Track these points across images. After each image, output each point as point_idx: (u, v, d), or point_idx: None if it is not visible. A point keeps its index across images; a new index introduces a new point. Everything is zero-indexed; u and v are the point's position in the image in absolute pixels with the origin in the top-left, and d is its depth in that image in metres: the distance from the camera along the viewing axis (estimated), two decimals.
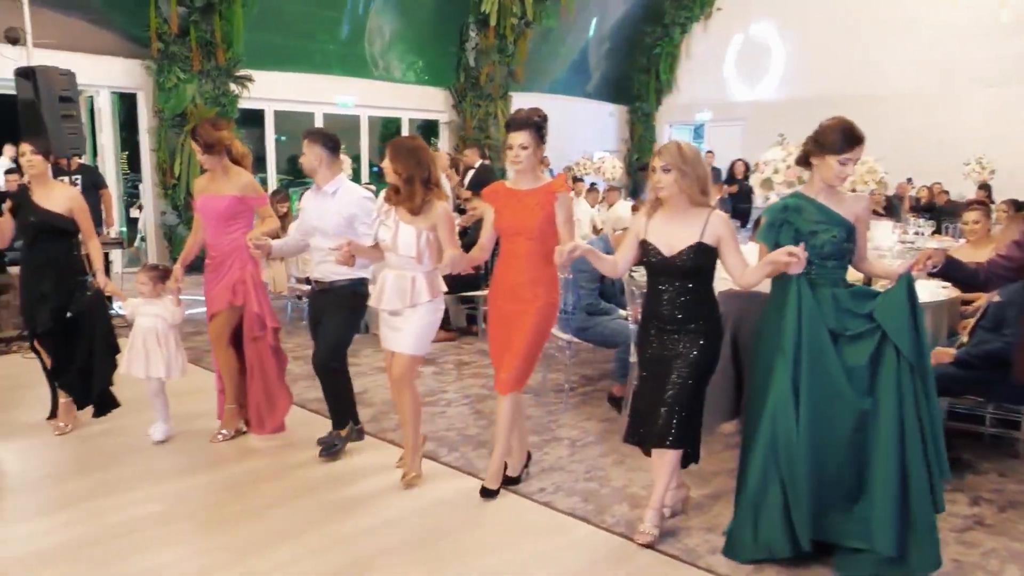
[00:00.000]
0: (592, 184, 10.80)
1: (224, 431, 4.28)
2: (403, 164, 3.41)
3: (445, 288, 3.68)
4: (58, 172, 7.58)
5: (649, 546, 3.15)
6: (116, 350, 4.40)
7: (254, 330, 4.11)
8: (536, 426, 4.61)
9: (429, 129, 13.70)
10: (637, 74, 16.37)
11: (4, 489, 3.73)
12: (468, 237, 6.90)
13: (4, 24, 7.91)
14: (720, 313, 3.18)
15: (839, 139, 2.96)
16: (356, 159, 12.04)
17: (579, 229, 8.93)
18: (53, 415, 4.47)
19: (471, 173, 9.19)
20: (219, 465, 3.98)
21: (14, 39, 7.34)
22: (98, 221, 8.11)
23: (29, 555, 3.07)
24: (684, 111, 16.35)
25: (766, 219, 3.12)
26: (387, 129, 13.66)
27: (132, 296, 4.32)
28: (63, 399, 4.39)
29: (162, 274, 4.22)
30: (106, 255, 7.78)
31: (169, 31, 9.65)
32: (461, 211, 8.78)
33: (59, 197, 4.20)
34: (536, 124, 3.33)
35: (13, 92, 6.68)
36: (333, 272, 3.82)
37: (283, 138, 11.90)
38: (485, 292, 6.54)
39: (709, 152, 12.60)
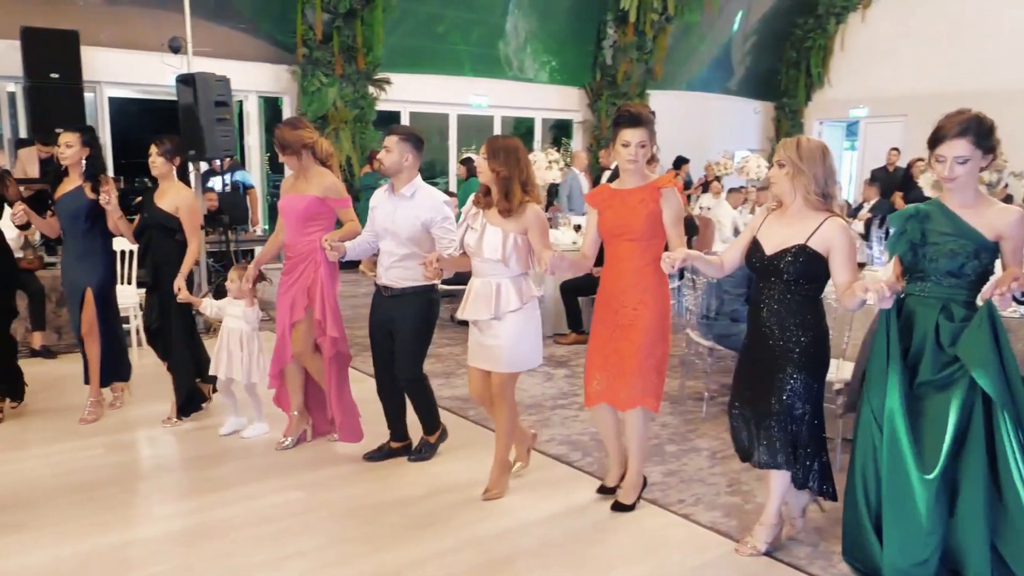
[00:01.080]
0: (740, 186, 10.46)
1: (286, 440, 4.25)
2: (503, 163, 3.29)
3: (538, 293, 3.49)
4: (211, 173, 8.25)
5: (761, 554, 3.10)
6: (200, 350, 4.63)
7: (318, 337, 4.05)
8: (674, 435, 4.50)
9: (562, 129, 13.76)
10: (785, 69, 15.72)
11: (146, 473, 4.05)
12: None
13: (168, 35, 8.69)
14: (825, 335, 2.97)
15: (932, 134, 2.73)
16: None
17: (720, 232, 8.68)
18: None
19: (607, 174, 9.14)
20: (349, 461, 4.13)
21: (176, 48, 8.02)
22: (245, 219, 8.73)
23: (175, 534, 3.31)
24: (836, 107, 15.51)
25: (893, 227, 2.89)
26: (517, 130, 13.84)
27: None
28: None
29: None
30: (252, 251, 8.40)
31: (314, 37, 10.25)
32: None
33: (171, 197, 4.38)
34: (651, 121, 3.21)
35: (174, 98, 7.29)
36: (403, 278, 3.75)
37: None
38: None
39: (894, 149, 11.84)
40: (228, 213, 7.88)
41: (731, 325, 4.80)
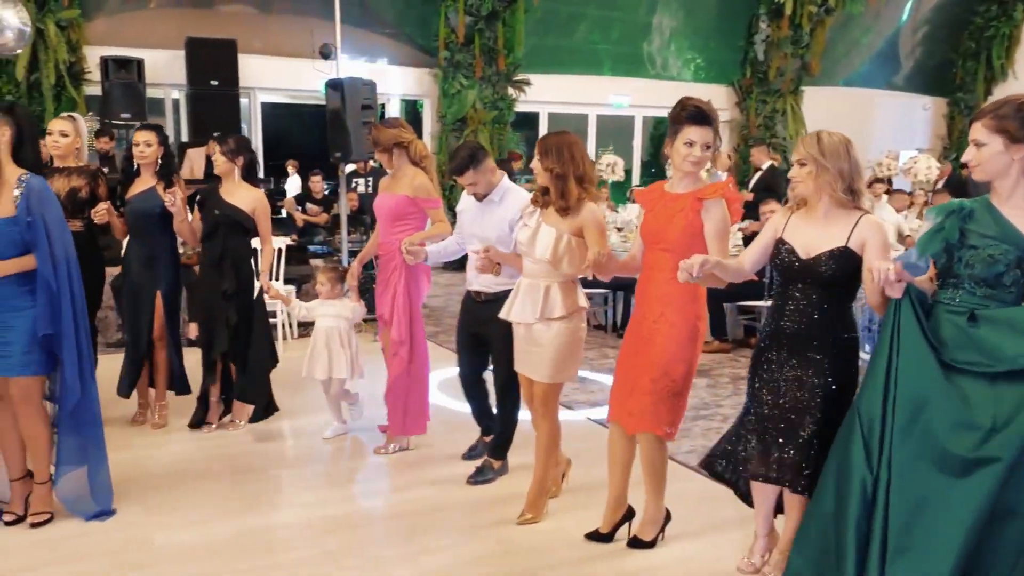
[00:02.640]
0: (906, 190, 9.80)
1: (388, 446, 4.27)
2: (555, 160, 3.16)
3: (586, 304, 3.35)
4: (355, 175, 8.68)
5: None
6: (274, 353, 4.56)
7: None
8: None
9: None
10: (962, 61, 14.60)
11: (288, 461, 4.28)
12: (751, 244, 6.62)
13: (318, 42, 9.24)
14: (855, 340, 2.77)
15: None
16: (629, 160, 12.20)
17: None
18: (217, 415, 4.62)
19: (758, 175, 8.84)
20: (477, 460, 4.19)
21: (326, 54, 8.49)
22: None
23: (315, 521, 3.47)
24: None
25: (931, 221, 2.58)
26: (657, 130, 13.66)
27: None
28: (214, 399, 4.57)
29: (341, 275, 4.37)
30: None
31: (456, 40, 10.58)
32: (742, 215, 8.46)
33: (246, 196, 4.35)
34: (718, 119, 2.98)
35: (320, 102, 7.73)
36: (495, 283, 3.65)
37: None
38: (767, 302, 6.26)
39: None
40: (369, 214, 8.25)
41: None
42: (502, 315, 3.39)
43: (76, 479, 3.39)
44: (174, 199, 4.18)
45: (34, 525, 3.33)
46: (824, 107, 12.64)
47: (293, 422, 4.78)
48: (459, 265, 4.87)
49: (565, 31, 11.71)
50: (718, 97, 12.96)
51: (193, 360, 4.65)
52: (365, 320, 4.81)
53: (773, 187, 8.22)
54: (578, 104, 12.09)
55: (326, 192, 9.24)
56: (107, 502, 3.45)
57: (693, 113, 2.91)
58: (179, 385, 4.64)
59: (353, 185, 8.60)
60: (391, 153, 4.05)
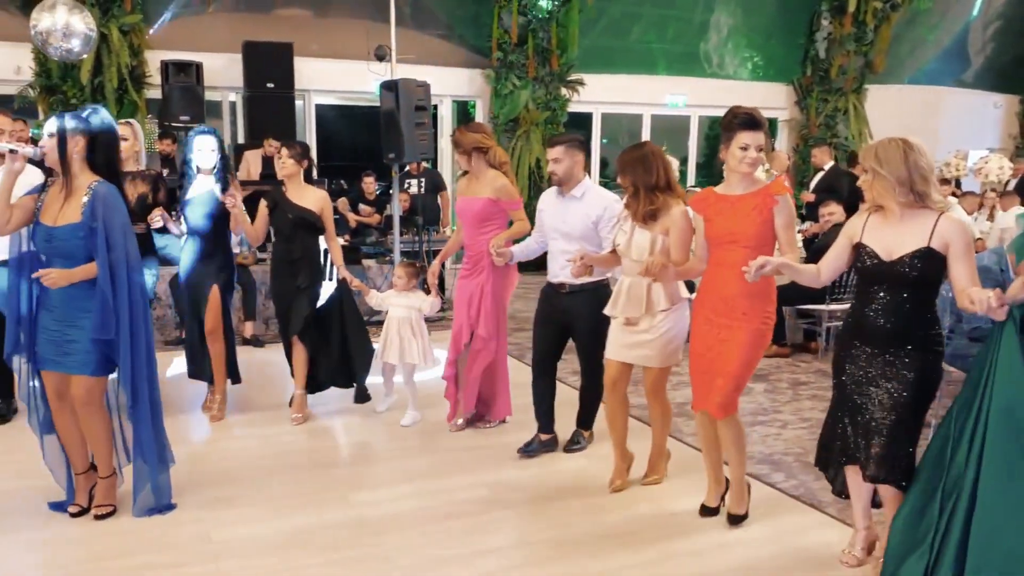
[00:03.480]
0: (970, 191, 9.51)
1: (458, 420, 4.60)
2: (629, 176, 3.53)
3: (687, 295, 3.65)
4: (407, 176, 8.76)
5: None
6: (369, 338, 4.83)
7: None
8: None
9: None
10: None
11: (343, 460, 4.33)
12: (816, 244, 6.49)
13: (372, 44, 9.37)
14: (941, 336, 2.88)
15: None
16: (684, 161, 12.08)
17: None
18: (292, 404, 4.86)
19: (819, 176, 8.66)
20: (536, 462, 4.19)
21: (381, 56, 8.60)
22: (437, 220, 9.18)
23: (370, 520, 3.51)
24: None
25: (1022, 226, 2.65)
26: (712, 130, 13.49)
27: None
28: (297, 391, 4.76)
29: (417, 271, 4.76)
30: (437, 251, 8.82)
31: (509, 40, 10.61)
32: (801, 217, 8.32)
33: (312, 197, 4.64)
34: (766, 123, 3.24)
35: (373, 103, 7.83)
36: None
37: (605, 140, 12.39)
38: (828, 306, 6.14)
39: None
40: (422, 215, 8.32)
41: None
42: (607, 311, 3.70)
43: (138, 475, 3.48)
44: (235, 200, 4.45)
45: (98, 517, 3.44)
46: (888, 106, 12.33)
47: (348, 420, 4.85)
48: (535, 267, 5.11)
49: (619, 30, 11.65)
50: (777, 96, 12.75)
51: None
52: (437, 317, 5.12)
53: (835, 188, 8.04)
54: (632, 104, 12.01)
55: (378, 193, 9.35)
56: (167, 498, 3.53)
57: (744, 119, 3.16)
58: (233, 374, 4.91)
59: (406, 186, 8.68)
60: (471, 156, 4.29)
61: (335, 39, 10.21)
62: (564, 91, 10.96)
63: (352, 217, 8.72)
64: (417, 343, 4.63)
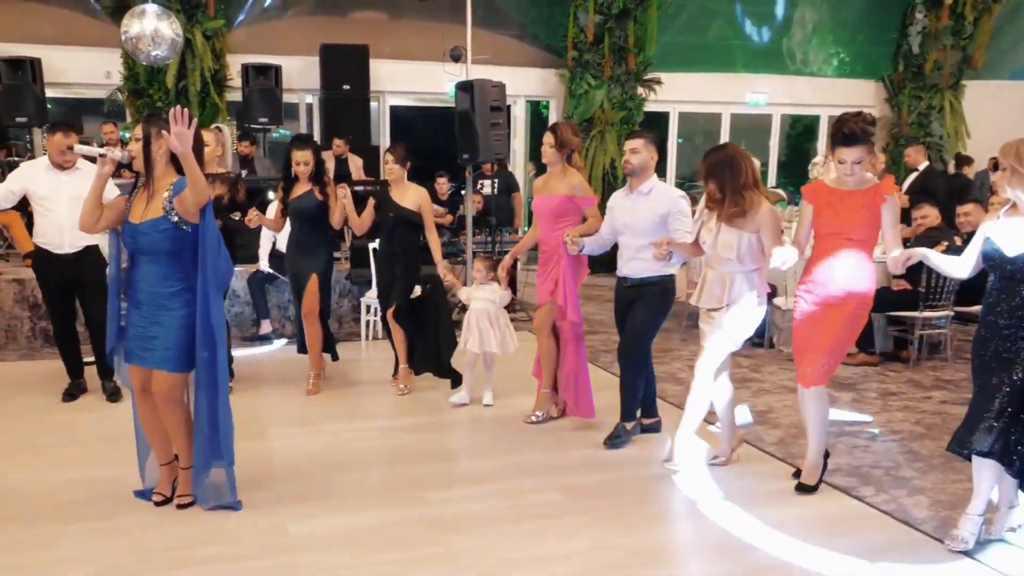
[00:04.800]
0: None
1: (536, 413, 4.77)
2: (716, 178, 3.67)
3: (767, 289, 3.87)
4: (481, 176, 8.83)
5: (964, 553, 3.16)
6: (454, 328, 5.26)
7: (559, 320, 4.59)
8: None
9: None
10: None
11: (414, 458, 4.38)
12: (911, 246, 6.24)
13: (446, 45, 9.48)
14: None
15: None
16: (764, 162, 11.82)
17: None
18: (395, 374, 5.45)
19: (912, 176, 8.34)
20: (613, 465, 4.16)
21: (456, 57, 8.69)
22: (510, 220, 9.21)
23: (441, 519, 3.54)
24: None
25: None
26: (794, 128, 13.18)
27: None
28: (402, 365, 5.33)
29: (494, 264, 5.00)
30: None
31: (585, 39, 10.59)
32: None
33: (412, 196, 5.13)
34: (868, 136, 3.41)
35: (445, 104, 7.91)
36: (644, 269, 4.18)
37: (681, 140, 12.24)
38: (922, 313, 5.90)
39: None
40: (495, 215, 8.36)
41: None
42: (692, 300, 3.99)
43: (214, 468, 3.58)
44: (346, 192, 5.03)
45: (179, 507, 3.57)
46: (987, 103, 11.80)
47: (422, 419, 4.91)
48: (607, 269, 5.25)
49: (697, 27, 11.50)
50: (864, 93, 12.35)
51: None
52: (509, 309, 5.36)
53: (929, 190, 7.72)
54: (711, 103, 11.82)
55: (450, 193, 9.45)
56: (232, 497, 3.60)
57: (842, 137, 3.42)
58: (332, 352, 5.56)
59: (479, 186, 8.75)
60: (563, 153, 4.51)
61: (409, 41, 10.38)
62: (640, 90, 10.88)
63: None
64: (495, 333, 4.89)
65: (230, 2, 9.71)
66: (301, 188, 5.18)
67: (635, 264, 4.21)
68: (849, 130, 3.40)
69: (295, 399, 5.22)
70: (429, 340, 5.26)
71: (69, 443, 4.42)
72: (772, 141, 12.39)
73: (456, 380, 5.22)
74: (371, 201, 5.31)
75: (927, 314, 5.95)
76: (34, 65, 8.70)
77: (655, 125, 11.68)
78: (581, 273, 4.66)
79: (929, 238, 6.06)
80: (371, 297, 6.45)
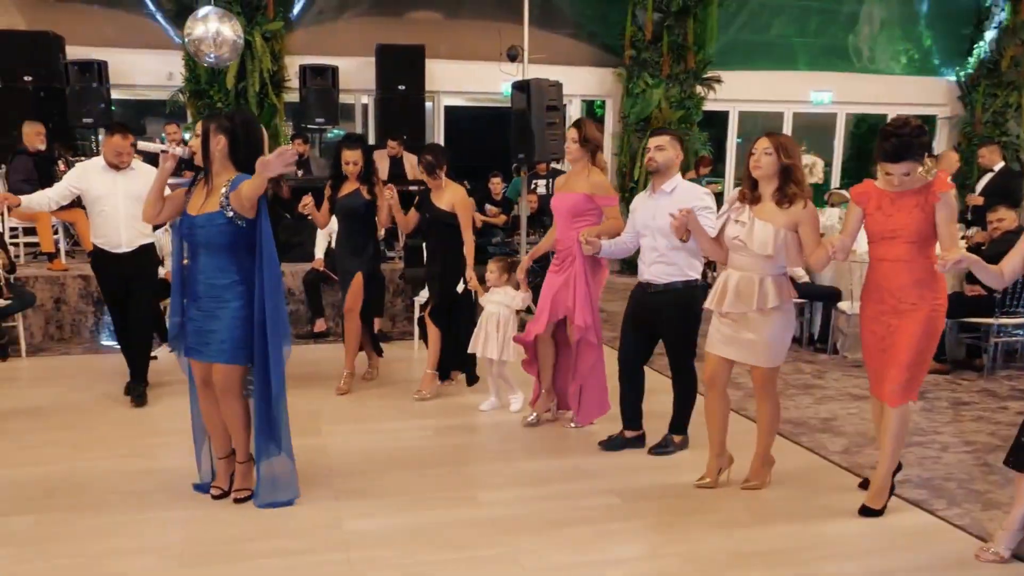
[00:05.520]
0: None
1: (531, 416, 4.77)
2: (789, 155, 3.50)
3: (796, 294, 3.71)
4: (535, 176, 8.82)
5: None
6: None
7: (569, 321, 4.48)
8: None
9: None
10: None
11: (470, 458, 4.39)
12: (983, 254, 6.04)
13: (503, 45, 9.51)
14: None
15: None
16: (827, 162, 11.56)
17: None
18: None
19: (988, 177, 8.05)
20: (665, 469, 4.11)
21: (513, 56, 8.71)
22: None
23: (498, 520, 3.53)
24: None
25: None
26: (858, 128, 12.87)
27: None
28: (428, 370, 5.27)
29: (509, 266, 4.97)
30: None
31: (643, 38, 10.52)
32: (966, 222, 7.78)
33: (447, 196, 5.08)
34: (918, 148, 3.26)
35: (500, 104, 7.92)
36: (665, 274, 4.04)
37: (740, 139, 12.05)
38: (997, 319, 5.68)
39: None
40: (548, 215, 8.33)
41: None
42: (707, 305, 3.73)
43: (270, 464, 3.63)
44: (393, 193, 5.08)
45: (237, 500, 3.64)
46: None
47: (476, 419, 4.93)
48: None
49: (758, 25, 11.33)
50: (934, 91, 12.02)
51: None
52: (529, 311, 5.35)
53: (1006, 192, 7.45)
54: (772, 102, 11.62)
55: (504, 193, 9.46)
56: (290, 492, 3.66)
57: (885, 152, 3.28)
58: (377, 348, 5.74)
59: (533, 186, 8.74)
60: (586, 150, 4.41)
61: (465, 41, 10.44)
62: (699, 89, 10.74)
63: (478, 217, 8.87)
64: (497, 337, 4.84)
65: (289, 4, 9.89)
66: (349, 187, 5.23)
67: (658, 268, 4.05)
68: (892, 146, 3.25)
69: (349, 397, 5.28)
70: (453, 343, 5.23)
71: (133, 435, 4.55)
72: (836, 141, 12.12)
73: (471, 380, 5.34)
74: (416, 201, 5.41)
75: (1003, 321, 5.74)
76: (101, 68, 9.00)
77: (714, 125, 11.54)
78: (599, 276, 4.51)
79: (1006, 242, 5.83)
80: (424, 296, 6.49)
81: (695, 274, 4.08)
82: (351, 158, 5.17)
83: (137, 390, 5.11)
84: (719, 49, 10.76)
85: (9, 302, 6.10)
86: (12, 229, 7.75)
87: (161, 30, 9.70)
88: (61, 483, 3.86)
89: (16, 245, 7.75)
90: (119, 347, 5.32)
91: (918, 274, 3.35)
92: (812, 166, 8.81)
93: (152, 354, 5.90)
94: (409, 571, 3.10)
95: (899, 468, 3.71)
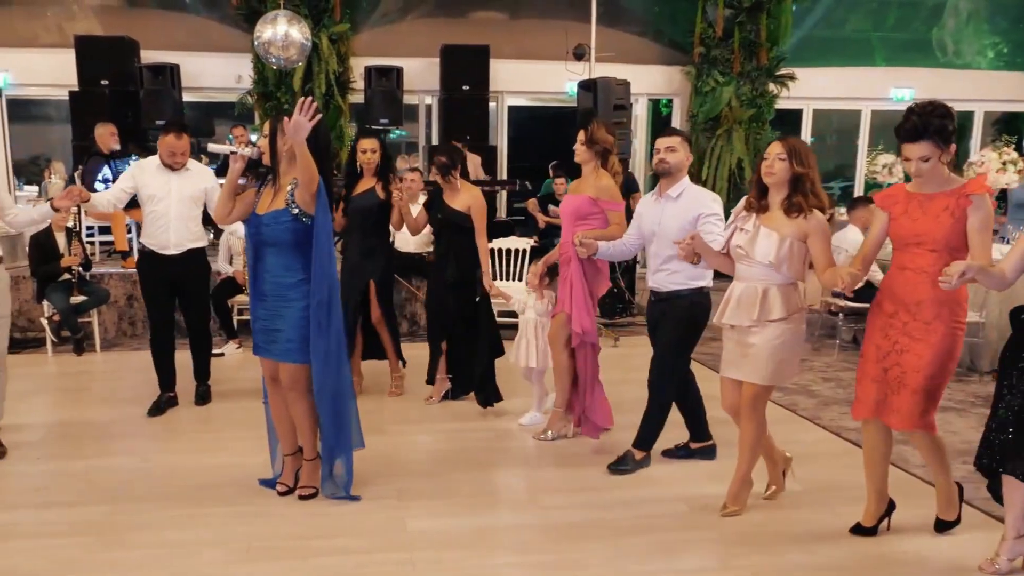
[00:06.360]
0: None
1: (546, 433, 4.58)
2: (802, 163, 3.30)
3: (805, 306, 3.46)
4: None
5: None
6: (498, 348, 5.00)
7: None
8: None
9: (1009, 124, 12.01)
10: None
11: (529, 461, 4.37)
12: None
13: (568, 44, 9.50)
14: None
15: None
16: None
17: None
18: (430, 381, 5.27)
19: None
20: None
21: (580, 55, 8.71)
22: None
23: (561, 526, 3.51)
24: None
25: None
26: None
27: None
28: (439, 376, 5.17)
29: (548, 271, 4.71)
30: None
31: (713, 35, 10.38)
32: None
33: (463, 198, 4.89)
34: (937, 130, 2.98)
35: (563, 104, 7.91)
36: (670, 282, 3.91)
37: (814, 139, 11.78)
38: None
39: None
40: None
41: None
42: (715, 320, 3.58)
43: (335, 462, 3.70)
44: (402, 194, 4.89)
45: (302, 497, 3.71)
46: None
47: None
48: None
49: (835, 20, 11.09)
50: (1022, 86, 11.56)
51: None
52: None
53: None
54: (849, 99, 11.33)
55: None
56: (354, 491, 3.72)
57: (904, 132, 3.03)
58: (401, 357, 5.42)
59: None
60: (593, 152, 4.32)
61: (530, 40, 10.47)
62: (772, 87, 10.55)
63: (542, 218, 8.87)
64: (536, 344, 4.71)
65: (355, 6, 10.07)
66: (364, 185, 5.05)
67: (662, 276, 3.92)
68: (912, 125, 2.99)
69: (407, 396, 5.33)
70: (464, 353, 5.05)
71: (203, 429, 4.71)
72: None
73: (486, 402, 5.01)
74: (424, 202, 5.22)
75: None
76: (173, 71, 9.32)
77: (786, 123, 11.31)
78: (598, 280, 4.40)
79: None
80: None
81: (702, 282, 3.93)
82: (368, 146, 4.98)
83: (201, 390, 5.18)
84: (793, 45, 10.57)
85: (85, 298, 6.36)
86: (88, 228, 8.08)
87: (231, 34, 9.98)
88: (134, 474, 4.01)
89: (92, 243, 8.08)
90: (152, 360, 5.08)
91: (940, 290, 2.95)
92: (891, 166, 8.57)
93: (219, 351, 6.06)
94: (472, 575, 3.10)
95: (961, 491, 3.46)
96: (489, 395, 5.00)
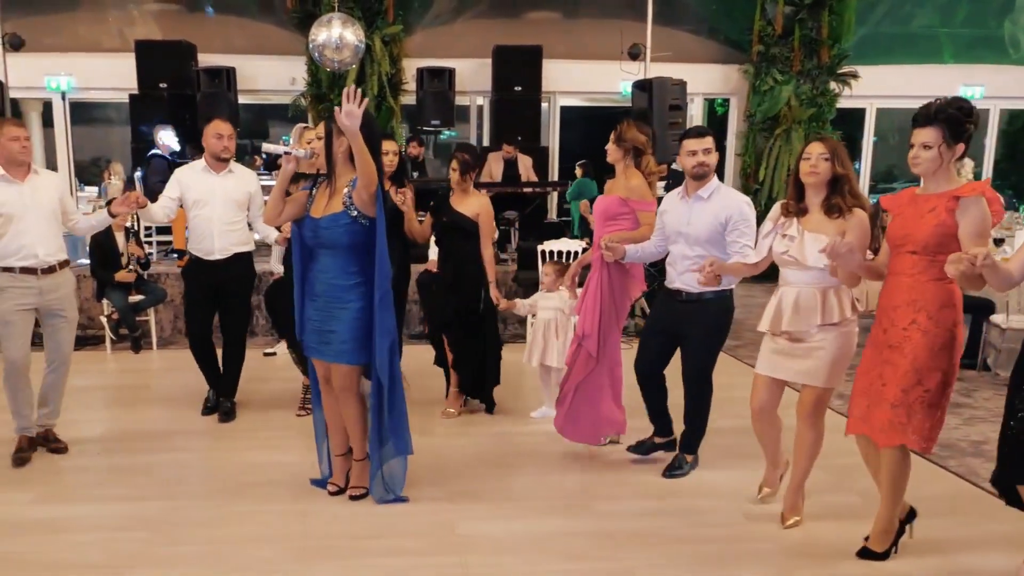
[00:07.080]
0: None
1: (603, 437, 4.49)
2: (842, 164, 3.30)
3: (861, 309, 3.42)
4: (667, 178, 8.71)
5: None
6: (499, 357, 5.03)
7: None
8: None
9: None
10: None
11: (583, 466, 4.35)
12: None
13: (622, 43, 9.45)
14: None
15: None
16: (978, 162, 10.91)
17: None
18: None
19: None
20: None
21: (635, 55, 8.66)
22: None
23: (612, 532, 3.48)
24: None
25: None
26: (1011, 125, 12.09)
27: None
28: (453, 388, 5.10)
29: (562, 269, 4.81)
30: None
31: (772, 33, 10.23)
32: None
33: (473, 203, 4.83)
34: (948, 119, 2.89)
35: (616, 104, 7.87)
36: (699, 283, 3.75)
37: (876, 138, 11.54)
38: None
39: None
40: None
41: None
42: (762, 327, 3.50)
43: (386, 463, 3.73)
44: (404, 198, 4.77)
45: (352, 498, 3.75)
46: None
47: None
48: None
49: (900, 16, 10.82)
50: None
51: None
52: None
53: None
54: (915, 97, 11.01)
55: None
56: (404, 492, 3.75)
57: (917, 114, 2.96)
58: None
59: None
60: (627, 152, 4.28)
61: (584, 40, 10.44)
62: (833, 85, 10.35)
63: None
64: (557, 344, 4.73)
65: (408, 7, 10.18)
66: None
67: (691, 276, 3.80)
68: (926, 109, 2.93)
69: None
70: (472, 363, 5.00)
71: (258, 427, 4.80)
72: (988, 139, 11.38)
73: (490, 408, 5.08)
74: (431, 206, 5.09)
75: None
76: (229, 74, 9.53)
77: (847, 122, 11.09)
78: (627, 283, 4.32)
79: None
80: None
81: (732, 284, 3.91)
82: (389, 148, 4.79)
83: (225, 406, 4.98)
84: (856, 42, 10.34)
85: (143, 297, 6.54)
86: (147, 228, 8.30)
87: (285, 37, 10.17)
88: (190, 471, 4.12)
89: (150, 242, 8.30)
90: (196, 363, 5.02)
91: (919, 292, 2.95)
92: (960, 167, 8.32)
93: (271, 351, 6.15)
94: None
95: (913, 515, 3.35)
96: (491, 404, 5.12)
